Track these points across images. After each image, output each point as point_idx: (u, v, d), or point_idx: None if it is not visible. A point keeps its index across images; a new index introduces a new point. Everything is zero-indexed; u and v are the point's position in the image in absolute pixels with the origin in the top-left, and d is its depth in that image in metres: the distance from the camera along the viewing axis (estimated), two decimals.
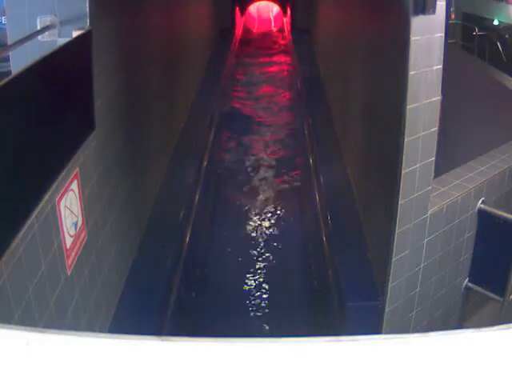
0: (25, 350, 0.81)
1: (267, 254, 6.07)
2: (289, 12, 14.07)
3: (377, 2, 4.78)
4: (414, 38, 3.16)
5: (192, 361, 0.82)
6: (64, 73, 2.86)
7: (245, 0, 14.27)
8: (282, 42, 14.44)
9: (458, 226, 4.01)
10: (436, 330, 0.89)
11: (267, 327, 5.04)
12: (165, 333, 3.95)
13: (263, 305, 5.33)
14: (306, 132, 7.79)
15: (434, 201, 3.78)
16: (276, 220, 6.81)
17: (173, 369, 0.81)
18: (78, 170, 3.03)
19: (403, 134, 3.32)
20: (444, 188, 4.00)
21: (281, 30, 14.87)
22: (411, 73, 3.22)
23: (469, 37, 9.49)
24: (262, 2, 14.87)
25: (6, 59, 3.15)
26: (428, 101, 3.35)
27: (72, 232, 2.95)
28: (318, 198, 5.91)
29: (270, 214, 6.91)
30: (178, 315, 4.42)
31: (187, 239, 5.20)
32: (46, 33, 3.04)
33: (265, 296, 5.44)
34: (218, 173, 7.81)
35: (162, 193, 5.43)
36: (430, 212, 3.72)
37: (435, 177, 3.74)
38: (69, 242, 2.89)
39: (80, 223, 3.08)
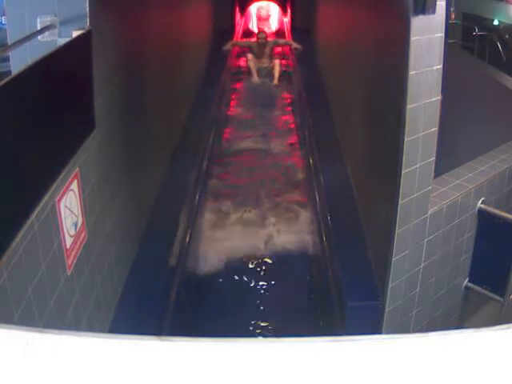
0: (25, 350, 0.81)
1: (268, 258, 6.05)
2: (289, 12, 14.06)
3: (377, 1, 4.78)
4: (414, 38, 3.16)
5: (192, 361, 0.82)
6: (64, 73, 2.86)
7: (245, 0, 14.25)
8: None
9: (458, 226, 4.01)
10: (436, 330, 0.89)
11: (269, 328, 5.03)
12: (165, 333, 3.95)
13: (262, 304, 5.32)
14: (306, 133, 7.79)
15: (434, 201, 3.78)
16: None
17: (172, 369, 0.81)
18: (77, 169, 3.03)
19: (403, 134, 3.32)
20: (444, 188, 4.00)
21: (281, 30, 14.86)
22: (411, 73, 3.22)
23: (469, 37, 9.49)
24: (261, 2, 14.84)
25: (6, 59, 3.15)
26: (428, 101, 3.35)
27: (72, 232, 2.95)
28: (318, 198, 5.91)
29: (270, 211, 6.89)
30: (177, 315, 4.42)
31: (187, 239, 5.20)
32: (46, 33, 3.04)
33: (263, 293, 5.43)
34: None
35: (162, 192, 5.43)
36: (430, 212, 3.72)
37: (435, 177, 3.74)
38: (69, 242, 2.89)
39: (80, 223, 3.08)
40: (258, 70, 10.68)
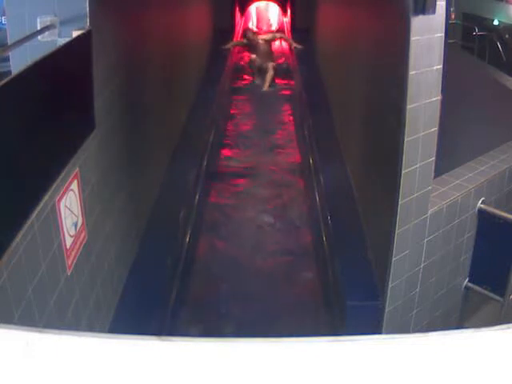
0: (25, 350, 0.81)
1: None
2: (289, 12, 14.06)
3: (377, 1, 4.78)
4: (414, 38, 3.16)
5: (191, 361, 0.82)
6: (64, 73, 2.86)
7: (245, 0, 14.23)
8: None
9: (458, 226, 4.01)
10: (436, 330, 0.89)
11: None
12: (165, 332, 3.95)
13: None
14: (305, 132, 7.79)
15: (434, 201, 3.78)
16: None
17: (172, 369, 0.81)
18: (77, 169, 3.03)
19: (403, 134, 3.32)
20: (444, 188, 4.00)
21: (281, 30, 14.86)
22: (411, 73, 3.22)
23: (469, 37, 9.50)
24: (261, 2, 14.83)
25: (6, 59, 3.15)
26: (428, 101, 3.35)
27: (72, 232, 2.95)
28: (318, 198, 5.91)
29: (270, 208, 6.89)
30: (177, 314, 4.42)
31: (187, 239, 5.20)
32: (46, 33, 3.04)
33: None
34: None
35: (163, 192, 5.43)
36: (430, 212, 3.72)
37: (435, 177, 3.74)
38: (69, 242, 2.89)
39: (80, 223, 3.08)
40: (260, 70, 10.67)
